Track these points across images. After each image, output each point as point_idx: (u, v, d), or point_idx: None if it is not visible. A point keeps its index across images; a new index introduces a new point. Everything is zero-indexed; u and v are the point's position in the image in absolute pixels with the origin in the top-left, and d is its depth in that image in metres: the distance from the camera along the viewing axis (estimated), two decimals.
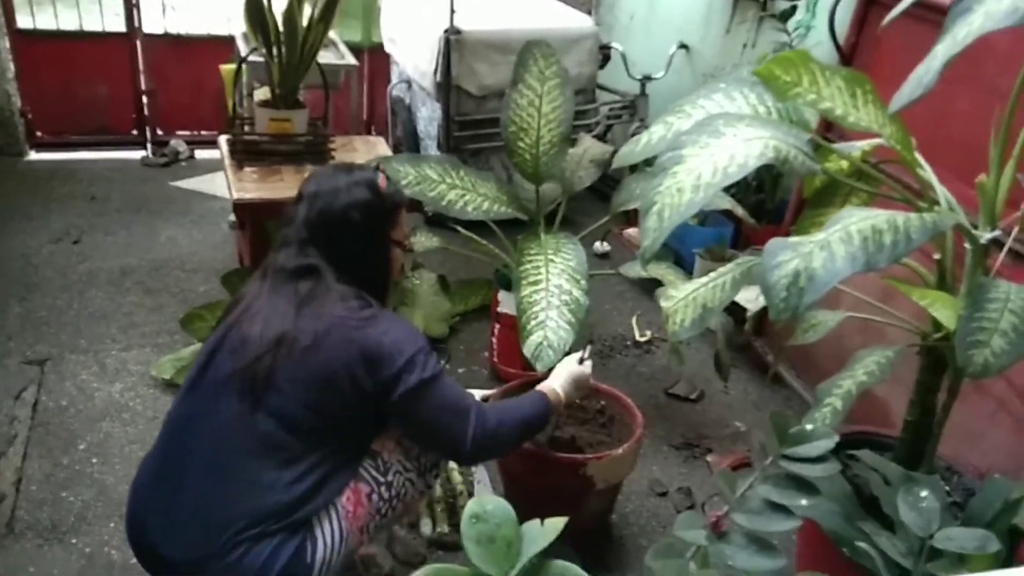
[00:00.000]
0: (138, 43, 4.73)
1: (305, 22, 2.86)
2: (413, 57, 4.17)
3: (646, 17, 4.61)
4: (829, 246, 1.23)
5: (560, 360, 1.99)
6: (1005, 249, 1.55)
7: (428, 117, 4.18)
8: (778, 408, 2.78)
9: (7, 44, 4.45)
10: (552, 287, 2.22)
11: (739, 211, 2.56)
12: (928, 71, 1.29)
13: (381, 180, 1.73)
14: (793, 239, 1.28)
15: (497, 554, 0.86)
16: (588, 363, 1.98)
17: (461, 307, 3.21)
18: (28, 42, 4.52)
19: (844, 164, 1.79)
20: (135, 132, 4.91)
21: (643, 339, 3.20)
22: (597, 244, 3.94)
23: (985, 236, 1.48)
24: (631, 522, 2.23)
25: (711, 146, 1.41)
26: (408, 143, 4.41)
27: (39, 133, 4.73)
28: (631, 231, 3.90)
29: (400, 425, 1.70)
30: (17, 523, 2.04)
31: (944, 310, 1.44)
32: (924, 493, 1.31)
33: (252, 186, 2.86)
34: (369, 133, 5.27)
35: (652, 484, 2.38)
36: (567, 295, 2.22)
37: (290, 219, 1.68)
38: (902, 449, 1.78)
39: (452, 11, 3.69)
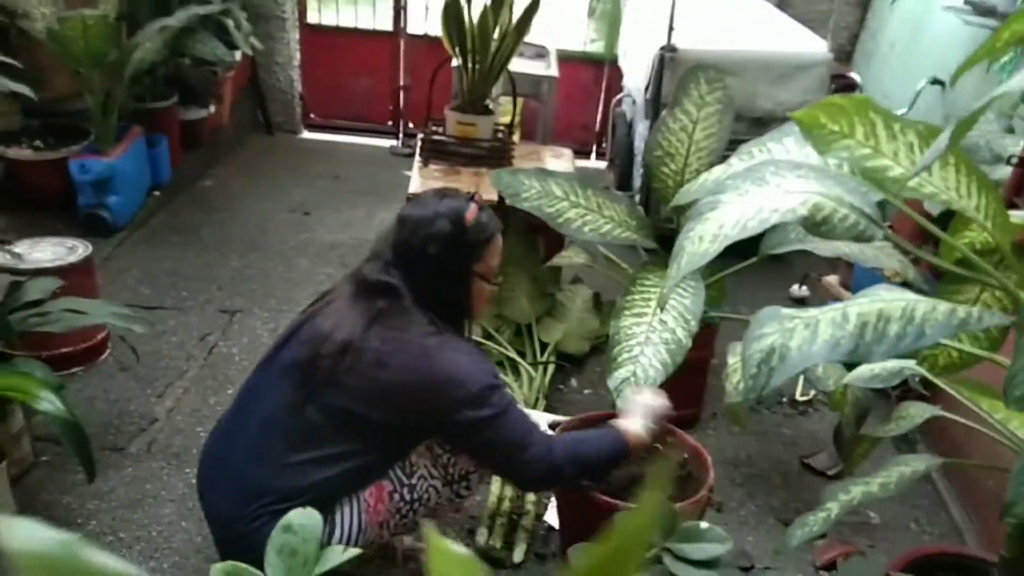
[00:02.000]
0: (401, 42, 5.20)
1: (500, 31, 2.98)
2: (635, 72, 4.14)
3: (907, 47, 4.13)
4: (816, 325, 1.05)
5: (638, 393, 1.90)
6: None
7: (643, 134, 4.12)
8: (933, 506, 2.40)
9: (297, 36, 5.13)
10: (656, 323, 2.12)
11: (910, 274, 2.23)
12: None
13: (471, 212, 1.68)
14: (788, 311, 1.11)
15: (295, 567, 0.87)
16: (663, 401, 1.86)
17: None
18: (312, 35, 5.17)
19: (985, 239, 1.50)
20: (390, 123, 5.41)
21: (803, 398, 2.90)
22: (794, 288, 3.64)
23: None
24: None
25: (749, 194, 1.27)
26: (622, 158, 4.39)
27: (312, 115, 5.39)
28: (831, 278, 3.54)
29: (459, 450, 1.74)
30: (155, 444, 2.38)
31: (1013, 423, 1.16)
32: None
33: (428, 183, 3.03)
34: (601, 146, 5.33)
35: (739, 555, 2.17)
36: (670, 333, 2.11)
37: (386, 236, 1.76)
38: None
39: (671, 28, 3.60)
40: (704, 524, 1.05)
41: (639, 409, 1.82)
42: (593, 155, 5.42)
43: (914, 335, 1.01)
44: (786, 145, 1.52)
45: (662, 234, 2.39)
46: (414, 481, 1.73)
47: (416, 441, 1.74)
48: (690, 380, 2.60)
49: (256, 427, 1.67)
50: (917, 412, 1.57)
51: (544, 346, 2.89)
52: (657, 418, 1.81)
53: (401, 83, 5.29)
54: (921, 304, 1.04)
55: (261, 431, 1.66)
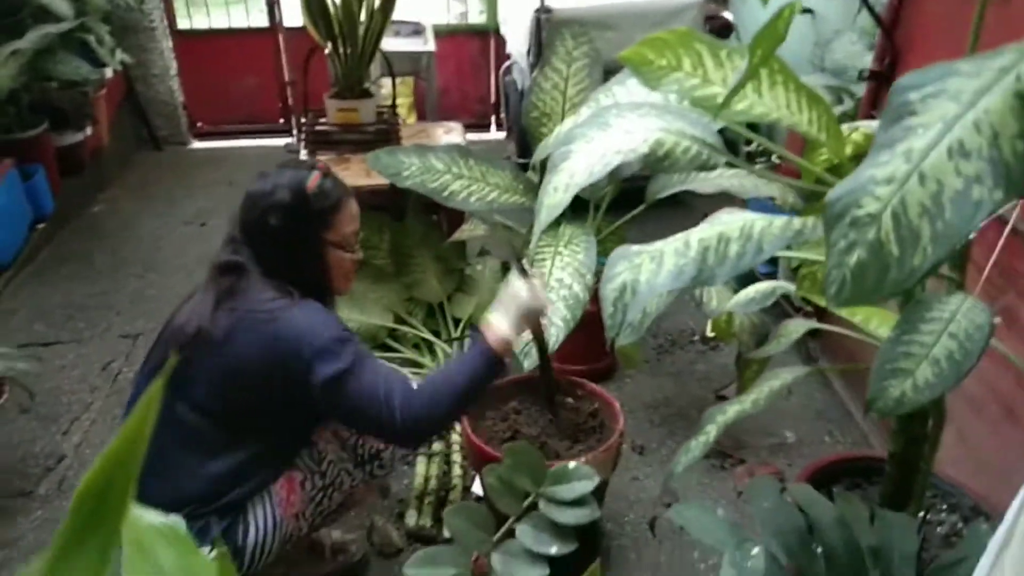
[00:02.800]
0: (280, 37, 5.07)
1: (366, 12, 2.93)
2: (517, 39, 4.13)
3: None
4: (660, 257, 1.07)
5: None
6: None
7: None
8: (838, 418, 2.50)
9: (170, 44, 4.96)
10: (553, 281, 2.12)
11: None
12: None
13: (312, 180, 1.65)
14: (637, 247, 1.13)
15: None
16: (516, 282, 1.67)
17: None
18: (186, 42, 5.01)
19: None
20: (281, 120, 5.29)
21: (712, 335, 2.97)
22: None
23: None
24: (626, 532, 2.10)
25: (594, 140, 1.28)
26: (516, 126, 4.38)
27: (199, 124, 5.24)
28: None
29: (327, 414, 1.70)
30: (65, 482, 2.30)
31: (881, 328, 1.21)
32: (755, 551, 1.11)
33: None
34: (499, 117, 5.31)
35: (665, 492, 2.22)
36: (567, 289, 2.12)
37: (234, 216, 1.73)
38: (888, 484, 1.53)
39: None
40: (572, 464, 1.07)
41: (503, 305, 1.67)
42: (492, 126, 5.41)
43: (753, 251, 1.04)
44: (629, 87, 1.53)
45: None
46: (324, 467, 1.72)
47: (300, 423, 1.71)
48: (598, 333, 2.61)
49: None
50: (795, 328, 1.63)
51: (458, 322, 2.89)
52: (523, 306, 1.64)
53: (286, 78, 5.18)
54: (759, 222, 1.06)
55: (148, 445, 1.62)
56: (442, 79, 5.10)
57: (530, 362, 2.01)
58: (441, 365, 2.67)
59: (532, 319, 1.70)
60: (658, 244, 1.10)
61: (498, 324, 1.63)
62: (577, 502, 1.03)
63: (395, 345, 2.81)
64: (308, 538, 1.87)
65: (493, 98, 5.32)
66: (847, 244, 0.78)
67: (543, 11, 3.64)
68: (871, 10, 2.30)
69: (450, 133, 3.35)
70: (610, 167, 1.20)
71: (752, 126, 1.30)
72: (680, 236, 1.09)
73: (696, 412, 2.54)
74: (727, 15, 3.93)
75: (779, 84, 1.21)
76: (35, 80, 3.68)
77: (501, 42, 4.94)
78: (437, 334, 2.84)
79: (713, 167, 1.26)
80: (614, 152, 1.21)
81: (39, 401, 2.63)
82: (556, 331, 2.07)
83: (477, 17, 5.27)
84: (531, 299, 1.65)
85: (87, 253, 3.68)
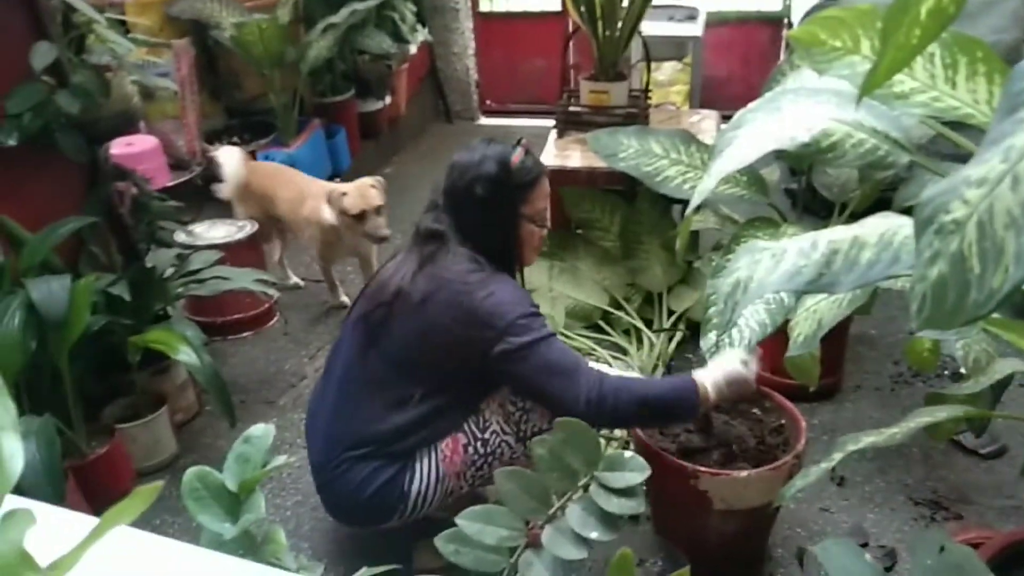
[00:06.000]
0: (569, 21, 5.22)
1: None
2: None
3: None
4: (782, 255, 0.98)
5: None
6: None
7: None
8: None
9: (471, 25, 5.35)
10: None
11: None
12: None
13: (516, 156, 1.76)
14: (765, 243, 1.03)
15: (247, 471, 0.97)
16: (752, 366, 1.75)
17: None
18: (485, 23, 5.36)
19: None
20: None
21: (967, 373, 2.58)
22: None
23: None
24: (792, 563, 1.93)
25: (761, 125, 1.20)
26: None
27: (488, 101, 5.60)
28: None
29: (508, 384, 1.78)
30: (300, 399, 2.64)
31: None
32: None
33: (560, 153, 3.07)
34: None
35: (855, 531, 2.00)
36: (772, 292, 1.98)
37: (438, 185, 1.86)
38: None
39: None
40: (628, 453, 1.01)
41: (717, 368, 1.73)
42: None
43: (888, 261, 0.90)
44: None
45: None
46: (487, 436, 1.80)
47: (479, 388, 1.79)
48: (825, 346, 2.41)
49: (335, 380, 1.83)
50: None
51: (672, 314, 2.82)
52: (733, 382, 1.68)
53: (571, 61, 5.32)
54: (904, 229, 0.92)
55: (339, 383, 1.82)
56: (726, 67, 4.94)
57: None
58: (644, 354, 2.63)
59: (734, 394, 1.70)
60: (785, 241, 1.00)
61: (710, 379, 1.67)
62: (626, 492, 0.98)
63: (606, 328, 2.82)
64: (472, 491, 1.97)
65: None
66: (931, 255, 0.65)
67: (830, 1, 3.37)
68: None
69: (703, 121, 3.25)
70: (763, 152, 1.11)
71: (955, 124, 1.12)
72: (810, 235, 0.98)
73: (919, 454, 2.26)
74: None
75: (980, 75, 1.03)
76: (347, 52, 4.19)
77: None
78: (650, 324, 2.79)
79: (890, 165, 1.11)
80: (773, 139, 1.12)
81: (300, 328, 3.04)
82: (751, 334, 1.95)
83: (770, 5, 5.00)
84: (746, 376, 1.67)
85: None
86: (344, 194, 2.75)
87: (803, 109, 1.16)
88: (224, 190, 3.12)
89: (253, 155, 3.78)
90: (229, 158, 3.11)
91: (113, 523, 0.40)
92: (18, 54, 1.99)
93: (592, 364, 1.70)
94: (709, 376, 1.69)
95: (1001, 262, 0.60)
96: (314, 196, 2.93)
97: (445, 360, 1.74)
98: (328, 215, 2.79)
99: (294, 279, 3.35)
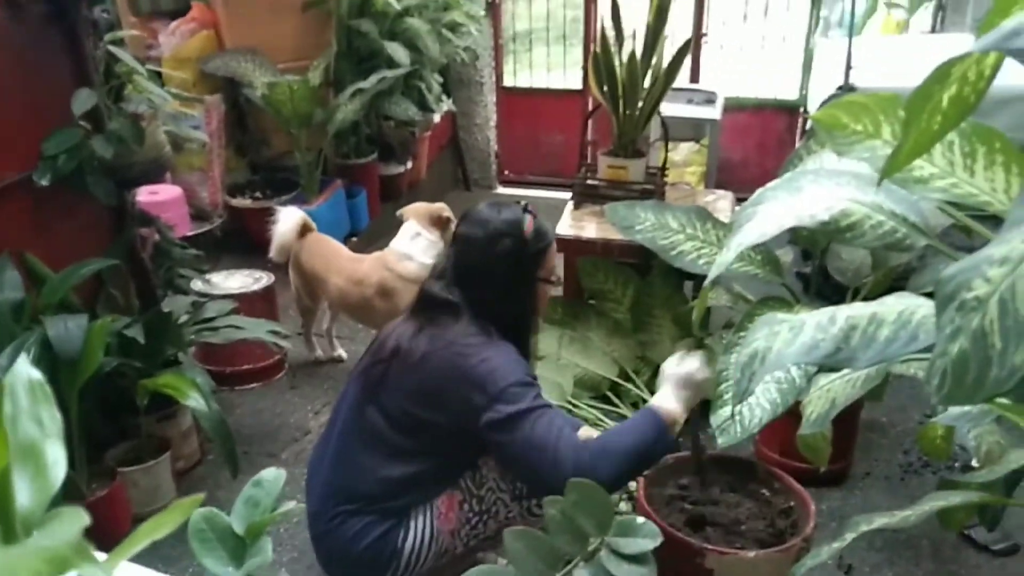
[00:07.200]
0: (590, 100, 5.37)
1: (651, 77, 3.03)
2: None
3: None
4: (800, 328, 0.99)
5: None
6: None
7: None
8: None
9: (494, 98, 5.50)
10: None
11: None
12: None
13: (528, 224, 1.76)
14: (784, 315, 1.04)
15: (256, 515, 0.96)
16: (695, 359, 1.71)
17: None
18: (508, 96, 5.51)
19: None
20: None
21: (979, 465, 2.55)
22: None
23: None
24: None
25: (780, 203, 1.22)
26: None
27: (506, 171, 5.71)
28: None
29: (495, 454, 1.76)
30: (303, 454, 2.63)
31: None
32: None
33: (575, 224, 3.11)
34: None
35: None
36: (783, 371, 1.98)
37: (447, 253, 1.87)
38: None
39: (848, 66, 3.43)
40: (640, 519, 1.00)
41: (669, 381, 1.69)
42: None
43: (906, 339, 0.91)
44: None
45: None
46: (483, 493, 1.78)
47: (473, 448, 1.77)
48: (836, 430, 2.39)
49: (336, 432, 1.83)
50: None
51: None
52: (688, 382, 1.66)
53: (589, 138, 5.44)
54: (923, 309, 0.94)
55: (339, 435, 1.81)
56: (741, 151, 5.04)
57: (726, 439, 1.91)
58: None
59: (695, 392, 1.69)
60: (803, 315, 1.01)
61: (665, 398, 1.66)
62: (637, 559, 0.97)
63: (614, 399, 2.81)
64: (471, 557, 1.94)
65: None
66: (952, 331, 0.67)
67: (846, 88, 3.45)
68: None
69: (719, 200, 3.30)
70: (782, 229, 1.13)
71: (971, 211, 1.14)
72: (828, 309, 0.99)
73: (929, 546, 2.22)
74: None
75: (998, 164, 1.06)
76: (373, 116, 4.30)
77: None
78: None
79: (908, 248, 1.13)
80: (793, 216, 1.14)
81: (307, 382, 3.04)
82: (761, 413, 1.94)
83: (787, 93, 5.13)
84: (707, 377, 1.66)
85: None
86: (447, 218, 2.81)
87: (823, 189, 1.18)
88: (271, 250, 3.01)
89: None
90: (285, 219, 2.99)
91: (150, 535, 0.40)
92: (60, 99, 2.06)
93: (584, 431, 1.68)
94: (664, 396, 1.67)
95: (1023, 339, 0.61)
96: (366, 273, 2.88)
97: (440, 419, 1.72)
98: (410, 268, 2.76)
99: (339, 351, 3.25)
